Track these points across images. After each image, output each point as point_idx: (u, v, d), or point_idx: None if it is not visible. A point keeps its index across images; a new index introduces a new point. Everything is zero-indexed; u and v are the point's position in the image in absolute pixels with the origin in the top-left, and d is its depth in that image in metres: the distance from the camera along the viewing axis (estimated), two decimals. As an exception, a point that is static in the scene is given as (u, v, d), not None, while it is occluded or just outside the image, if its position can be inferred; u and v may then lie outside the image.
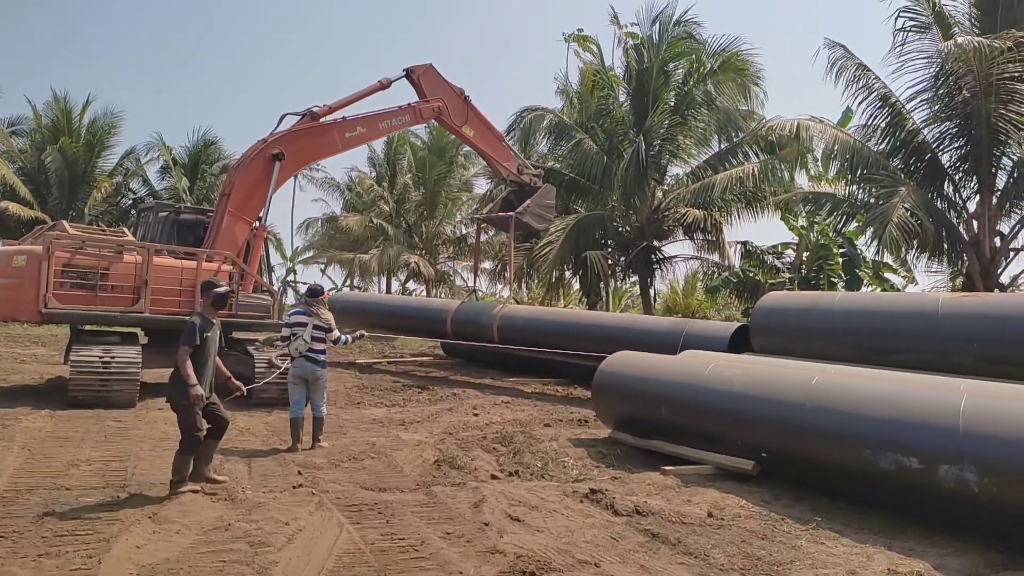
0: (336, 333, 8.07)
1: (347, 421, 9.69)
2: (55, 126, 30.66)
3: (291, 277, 47.42)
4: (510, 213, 15.94)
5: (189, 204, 23.73)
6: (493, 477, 6.89)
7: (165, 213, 12.72)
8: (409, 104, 14.28)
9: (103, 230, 12.36)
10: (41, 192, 29.86)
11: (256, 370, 10.33)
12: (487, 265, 31.46)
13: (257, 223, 11.94)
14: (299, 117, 12.60)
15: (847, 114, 22.34)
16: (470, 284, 37.56)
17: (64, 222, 10.95)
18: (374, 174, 36.21)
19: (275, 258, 41.66)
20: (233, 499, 5.72)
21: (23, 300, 9.50)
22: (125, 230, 12.31)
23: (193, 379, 5.77)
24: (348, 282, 43.11)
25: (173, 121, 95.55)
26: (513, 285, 21.04)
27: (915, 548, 5.26)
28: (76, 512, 5.23)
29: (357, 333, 8.87)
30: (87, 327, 10.50)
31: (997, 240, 15.51)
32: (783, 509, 6.13)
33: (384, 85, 13.94)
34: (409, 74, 14.37)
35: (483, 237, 20.51)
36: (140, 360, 9.79)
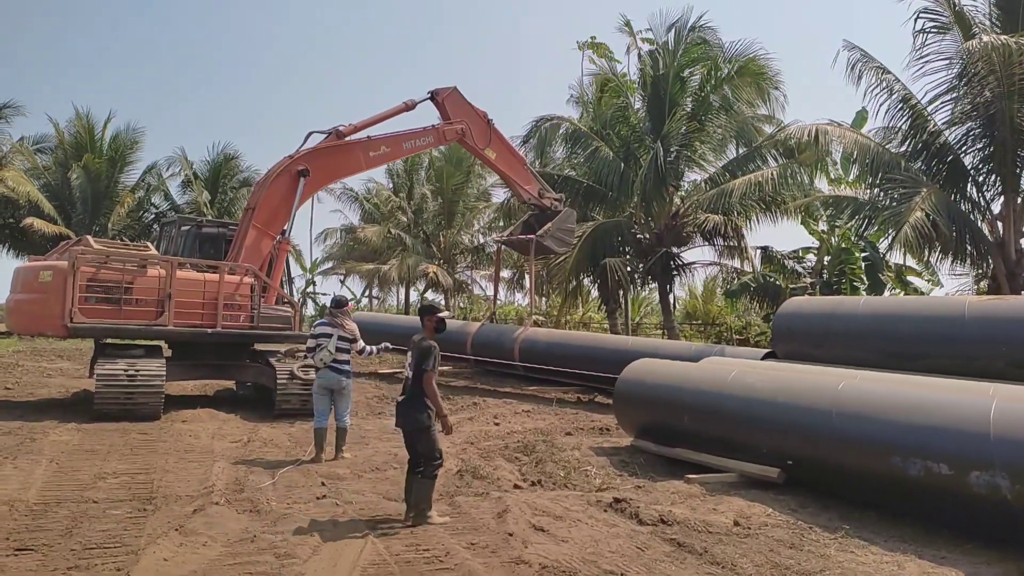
0: (361, 344, 8.10)
1: (369, 432, 9.71)
2: (78, 143, 31.17)
3: (311, 288, 47.75)
4: (530, 236, 15.94)
5: (211, 218, 23.97)
6: (516, 487, 6.87)
7: (187, 227, 12.87)
8: (433, 125, 14.42)
9: (127, 245, 12.52)
10: (65, 208, 30.34)
11: (278, 381, 10.40)
12: (506, 274, 31.48)
13: (280, 237, 12.04)
14: (325, 135, 12.72)
15: (861, 115, 22.22)
16: (490, 295, 37.73)
17: (88, 237, 11.10)
18: (392, 185, 36.43)
19: (294, 269, 41.88)
20: (258, 511, 5.75)
21: (49, 315, 9.64)
22: (148, 244, 12.45)
23: (445, 409, 5.66)
24: (367, 292, 43.36)
25: (194, 135, 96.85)
26: (535, 301, 21.00)
27: (947, 556, 5.17)
28: (104, 525, 5.28)
29: (383, 345, 8.89)
30: (112, 340, 10.63)
31: (1023, 242, 15.26)
32: (810, 517, 6.06)
33: (409, 106, 14.10)
34: (434, 96, 14.50)
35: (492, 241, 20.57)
36: (164, 373, 9.89)
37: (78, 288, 9.57)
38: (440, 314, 5.95)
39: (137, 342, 10.56)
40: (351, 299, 44.14)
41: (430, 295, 38.68)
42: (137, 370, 9.64)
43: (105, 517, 5.46)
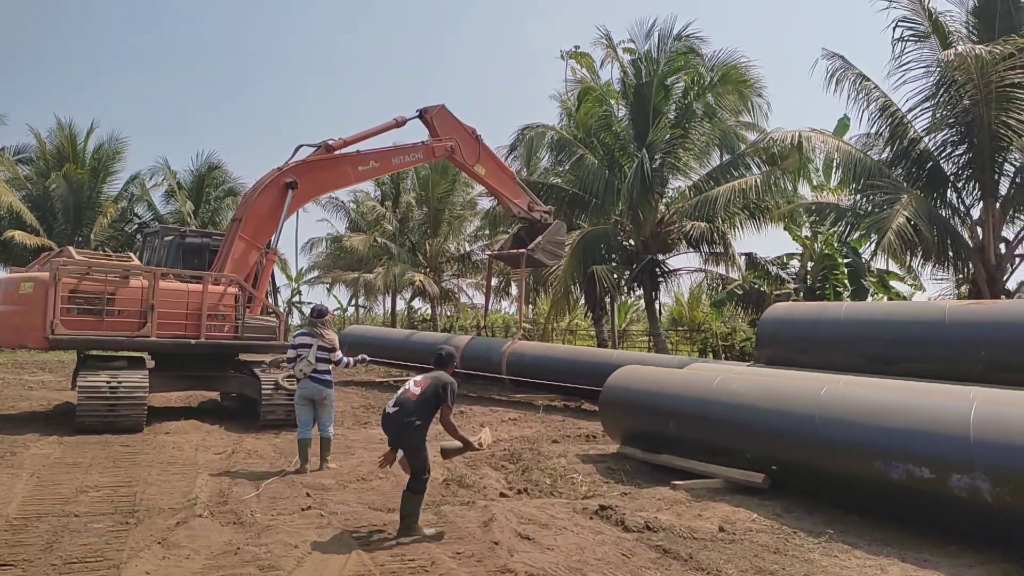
0: (339, 354, 8.06)
1: (354, 441, 9.67)
2: (60, 153, 30.92)
3: (296, 298, 47.54)
4: (521, 250, 15.95)
5: (194, 228, 23.86)
6: (502, 495, 6.86)
7: (170, 237, 12.80)
8: (423, 142, 14.46)
9: (109, 255, 12.42)
10: (47, 219, 30.06)
11: (262, 391, 10.34)
12: (494, 282, 31.48)
13: (266, 248, 12.00)
14: (314, 148, 12.72)
15: (843, 122, 22.50)
16: (476, 304, 37.67)
17: (70, 248, 11.01)
18: (378, 193, 36.38)
19: (280, 279, 41.78)
20: (242, 523, 5.70)
21: (30, 327, 9.54)
22: (131, 255, 12.36)
23: (472, 442, 5.86)
24: (354, 301, 43.22)
25: (177, 144, 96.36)
26: (522, 324, 20.95)
27: (929, 559, 5.22)
28: (85, 539, 5.21)
29: (359, 357, 8.87)
30: (94, 352, 10.51)
31: (1002, 246, 15.46)
32: (795, 522, 6.09)
33: (399, 123, 14.15)
34: (422, 115, 14.51)
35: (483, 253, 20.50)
36: (147, 384, 9.81)
37: (59, 300, 9.48)
38: (455, 365, 6.24)
39: (120, 353, 10.46)
40: (336, 308, 44.15)
41: (417, 304, 38.66)
42: (120, 382, 9.55)
43: (87, 531, 5.40)
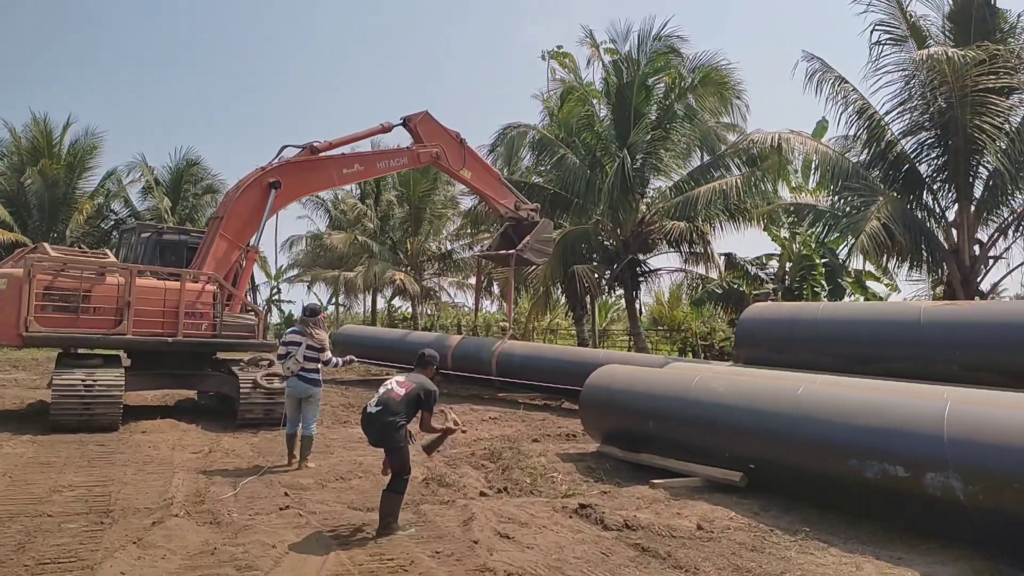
0: (328, 354, 8.02)
1: (334, 440, 9.62)
2: (35, 148, 30.43)
3: (276, 296, 47.16)
4: (511, 251, 15.94)
5: (172, 225, 23.61)
6: (482, 494, 6.87)
7: (148, 234, 12.65)
8: (408, 147, 14.45)
9: (85, 252, 12.25)
10: (21, 215, 29.60)
11: (241, 390, 10.26)
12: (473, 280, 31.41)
13: (247, 247, 11.90)
14: (299, 149, 12.65)
15: (821, 124, 22.76)
16: (457, 303, 37.61)
17: (45, 244, 10.85)
18: (358, 191, 36.17)
19: (259, 277, 41.41)
20: (219, 523, 5.65)
21: (4, 324, 9.39)
22: (108, 251, 12.20)
23: (444, 425, 6.06)
24: (334, 300, 42.95)
25: (155, 139, 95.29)
26: (511, 311, 20.97)
27: (903, 557, 5.28)
28: (59, 539, 5.14)
29: (347, 357, 8.84)
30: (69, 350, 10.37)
31: (976, 248, 15.69)
32: (772, 520, 6.15)
33: (386, 128, 14.21)
34: (406, 122, 14.46)
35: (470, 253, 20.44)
36: (123, 383, 9.68)
37: (34, 296, 9.34)
38: (437, 367, 6.39)
39: (95, 351, 10.32)
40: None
41: (397, 302, 38.53)
42: (95, 380, 9.43)
43: (60, 531, 5.33)
